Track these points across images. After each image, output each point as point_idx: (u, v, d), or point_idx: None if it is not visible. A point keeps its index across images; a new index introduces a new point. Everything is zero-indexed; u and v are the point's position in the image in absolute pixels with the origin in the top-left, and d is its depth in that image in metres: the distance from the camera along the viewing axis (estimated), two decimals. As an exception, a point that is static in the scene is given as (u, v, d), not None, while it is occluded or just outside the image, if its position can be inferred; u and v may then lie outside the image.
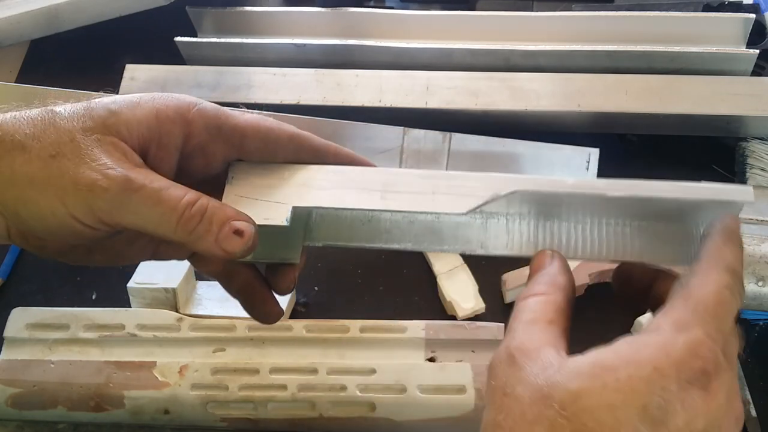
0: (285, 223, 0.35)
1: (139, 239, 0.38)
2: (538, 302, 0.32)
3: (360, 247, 0.38)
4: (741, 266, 0.31)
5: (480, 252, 0.37)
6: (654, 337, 0.28)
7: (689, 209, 0.34)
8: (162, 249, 0.39)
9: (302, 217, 0.38)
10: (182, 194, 0.33)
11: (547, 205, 0.35)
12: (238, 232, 0.34)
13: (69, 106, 0.34)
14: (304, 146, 0.37)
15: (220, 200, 0.36)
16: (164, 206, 0.33)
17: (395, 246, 0.38)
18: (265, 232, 0.35)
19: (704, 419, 0.27)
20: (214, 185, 0.37)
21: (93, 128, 0.33)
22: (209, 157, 0.37)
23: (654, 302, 0.33)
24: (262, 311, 0.40)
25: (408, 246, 0.38)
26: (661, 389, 0.27)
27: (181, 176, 0.36)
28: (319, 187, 0.36)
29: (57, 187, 0.32)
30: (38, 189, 0.32)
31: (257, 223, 0.35)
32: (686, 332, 0.28)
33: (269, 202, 0.36)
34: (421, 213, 0.36)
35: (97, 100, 0.35)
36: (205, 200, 0.34)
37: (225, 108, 0.37)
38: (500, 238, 0.37)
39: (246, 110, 0.38)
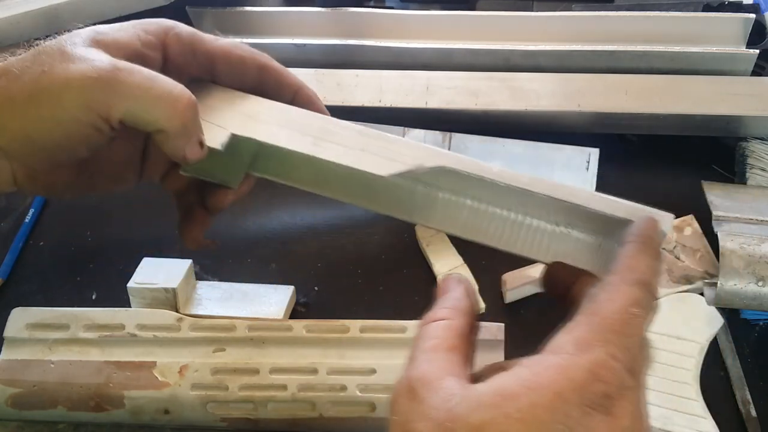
0: (219, 148, 0.37)
1: (133, 155, 0.40)
2: (439, 328, 0.31)
3: (300, 189, 0.40)
4: (655, 276, 0.31)
5: (406, 219, 0.38)
6: (555, 359, 0.27)
7: (610, 225, 0.35)
8: (146, 170, 0.41)
9: (246, 146, 0.39)
10: (175, 84, 0.34)
11: (474, 188, 0.36)
12: (201, 144, 0.36)
13: (56, 37, 0.35)
14: (269, 79, 0.39)
15: None
16: (160, 90, 0.34)
17: (328, 194, 0.39)
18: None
19: None
20: None
21: (81, 42, 0.34)
22: (184, 80, 0.38)
23: (572, 305, 0.32)
24: (189, 231, 0.42)
25: (341, 197, 0.39)
26: (564, 416, 0.26)
27: None
28: (260, 121, 0.38)
29: (52, 93, 0.33)
30: (36, 103, 0.33)
31: None
32: (588, 353, 0.27)
33: (212, 124, 0.37)
34: (343, 166, 0.37)
35: (80, 29, 0.36)
36: (194, 97, 0.35)
37: (200, 32, 0.39)
38: (428, 211, 0.37)
39: (220, 35, 0.40)
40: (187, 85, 0.38)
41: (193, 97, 0.35)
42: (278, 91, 0.40)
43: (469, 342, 0.31)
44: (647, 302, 0.30)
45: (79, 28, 0.36)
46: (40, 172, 0.37)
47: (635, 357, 0.28)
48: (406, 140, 0.37)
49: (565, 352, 0.27)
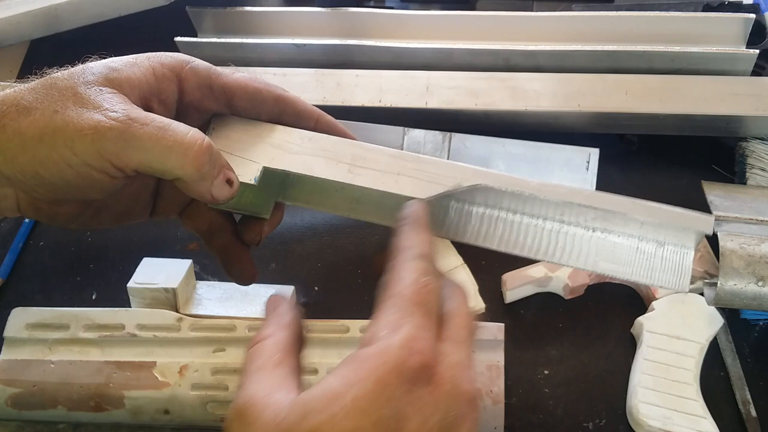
0: (253, 182, 0.36)
1: (143, 193, 0.39)
2: (263, 347, 0.31)
3: (331, 213, 0.40)
4: (431, 248, 0.33)
5: (441, 236, 0.38)
6: (371, 349, 0.28)
7: (647, 229, 0.35)
8: (159, 207, 0.41)
9: (274, 176, 0.38)
10: (188, 130, 0.34)
11: (510, 202, 0.36)
12: (229, 182, 0.35)
13: (66, 70, 0.35)
14: (287, 109, 0.39)
15: None
16: (172, 140, 0.33)
17: (362, 218, 0.39)
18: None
19: (437, 412, 0.27)
20: None
21: (94, 81, 0.34)
22: (200, 113, 0.38)
23: None
24: (238, 270, 0.41)
25: (375, 220, 0.39)
26: (388, 400, 0.27)
27: None
28: (292, 151, 0.37)
29: (64, 138, 0.32)
30: (48, 144, 0.32)
31: None
32: (398, 332, 0.28)
33: (243, 158, 0.37)
34: (383, 192, 0.36)
35: (93, 62, 0.36)
36: (209, 140, 0.34)
37: (216, 67, 0.38)
38: (464, 226, 0.37)
39: (236, 68, 0.39)
40: (210, 121, 0.37)
41: (207, 140, 0.34)
42: (297, 121, 0.39)
43: (294, 353, 0.32)
44: (432, 269, 0.31)
45: (92, 59, 0.36)
46: (44, 203, 0.36)
47: (440, 319, 0.30)
48: (439, 160, 0.37)
49: (378, 339, 0.28)
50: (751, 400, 0.51)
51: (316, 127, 0.39)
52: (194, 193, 0.35)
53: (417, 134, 0.60)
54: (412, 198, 0.36)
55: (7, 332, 0.51)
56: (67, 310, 0.52)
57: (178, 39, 0.68)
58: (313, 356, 0.49)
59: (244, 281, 0.42)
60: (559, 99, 0.62)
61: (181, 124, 0.34)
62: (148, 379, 0.49)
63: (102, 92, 0.34)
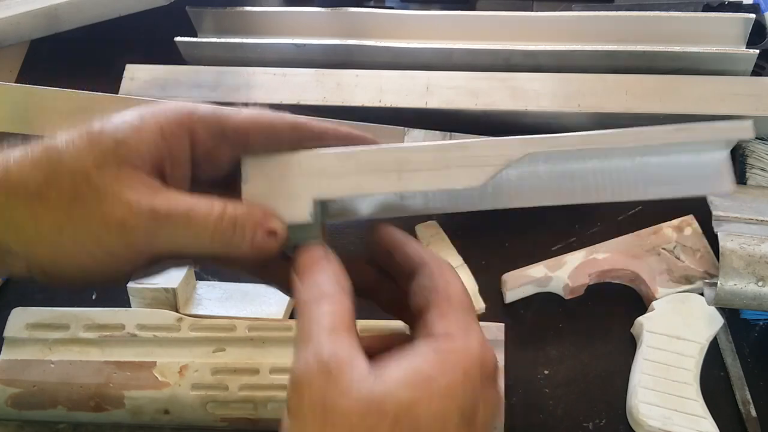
0: (309, 219, 0.35)
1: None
2: (333, 307, 0.31)
3: (380, 217, 0.38)
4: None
5: (500, 206, 0.37)
6: (453, 342, 0.31)
7: (687, 145, 0.35)
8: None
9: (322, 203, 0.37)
10: (209, 208, 0.33)
11: (560, 159, 0.36)
12: (272, 233, 0.34)
13: (69, 141, 0.33)
14: (305, 134, 0.37)
15: (239, 200, 0.35)
16: (195, 226, 0.32)
17: (413, 213, 0.38)
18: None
19: (492, 411, 0.31)
20: (224, 186, 0.36)
21: (106, 162, 0.32)
22: (215, 161, 0.36)
23: (393, 270, 0.36)
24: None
25: (426, 212, 0.38)
26: (472, 390, 0.30)
27: (192, 185, 0.36)
28: (334, 175, 0.35)
29: (88, 231, 0.31)
30: (70, 236, 0.32)
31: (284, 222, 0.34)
32: (472, 335, 0.31)
33: (288, 198, 0.35)
34: (443, 189, 0.35)
35: (97, 128, 0.33)
36: (231, 209, 0.33)
37: (222, 108, 0.36)
38: (523, 191, 0.36)
39: (243, 105, 0.38)
40: (236, 169, 0.36)
41: (218, 211, 0.33)
42: (318, 140, 0.37)
43: (355, 323, 0.32)
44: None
45: (95, 120, 0.34)
46: (56, 277, 0.34)
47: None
48: (481, 141, 0.35)
49: (457, 336, 0.31)
50: (751, 400, 0.51)
51: (337, 140, 0.37)
52: (239, 261, 0.34)
53: (417, 134, 0.60)
54: (470, 188, 0.35)
55: (7, 332, 0.51)
56: (67, 310, 0.52)
57: (178, 39, 0.68)
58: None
59: None
60: (559, 99, 0.62)
61: (201, 200, 0.33)
62: (148, 379, 0.49)
63: (118, 178, 0.32)
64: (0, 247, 0.33)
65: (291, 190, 0.35)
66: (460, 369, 0.30)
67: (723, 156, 0.36)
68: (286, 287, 0.39)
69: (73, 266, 0.33)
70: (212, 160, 0.36)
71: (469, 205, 0.37)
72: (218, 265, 0.39)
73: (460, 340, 0.31)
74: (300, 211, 0.35)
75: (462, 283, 0.34)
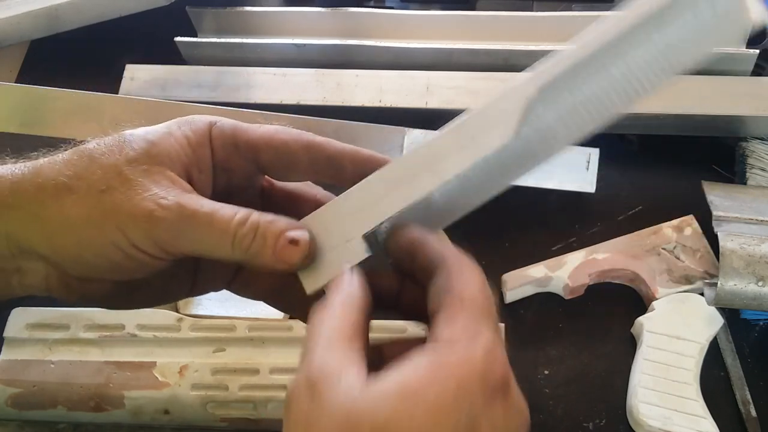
0: (366, 255, 0.34)
1: (181, 271, 0.38)
2: (335, 318, 0.30)
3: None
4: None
5: (548, 156, 0.34)
6: (452, 350, 0.28)
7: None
8: (199, 283, 0.39)
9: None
10: (233, 214, 0.33)
11: (581, 75, 0.33)
12: (294, 242, 0.33)
13: (100, 142, 0.33)
14: (319, 156, 0.36)
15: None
16: (217, 229, 0.32)
17: (463, 209, 0.36)
18: None
19: (505, 427, 0.28)
20: (240, 199, 0.36)
21: (138, 159, 0.33)
22: (229, 173, 0.36)
23: (418, 274, 0.33)
24: None
25: (475, 201, 0.36)
26: (470, 405, 0.26)
27: (213, 196, 0.36)
28: (373, 201, 0.35)
29: (116, 221, 0.32)
30: (97, 226, 0.32)
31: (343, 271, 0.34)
32: (479, 338, 0.28)
33: (339, 246, 0.35)
34: (478, 162, 0.34)
35: (127, 132, 0.34)
36: (255, 216, 0.33)
37: (242, 123, 0.36)
38: (562, 128, 0.34)
39: (263, 122, 0.37)
40: (250, 183, 0.36)
41: (241, 216, 0.33)
42: (332, 165, 0.36)
43: (365, 334, 0.30)
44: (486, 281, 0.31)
45: (125, 128, 0.35)
46: (76, 280, 0.35)
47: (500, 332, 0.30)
48: (491, 98, 0.33)
49: (459, 343, 0.28)
50: (751, 400, 0.51)
51: (354, 165, 0.36)
52: (261, 268, 0.34)
53: (417, 134, 0.60)
54: (504, 145, 0.33)
55: (7, 332, 0.51)
56: (67, 310, 0.52)
57: (178, 39, 0.68)
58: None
59: None
60: (559, 99, 0.62)
61: (227, 206, 0.33)
62: (148, 379, 0.49)
63: (148, 173, 0.33)
64: (22, 249, 0.33)
65: (340, 237, 0.35)
66: (453, 380, 0.27)
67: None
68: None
69: (99, 258, 0.32)
70: (225, 170, 0.36)
71: (519, 168, 0.35)
72: (220, 286, 0.39)
73: (461, 348, 0.28)
74: (357, 252, 0.34)
75: (484, 283, 0.31)
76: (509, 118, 0.33)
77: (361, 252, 0.34)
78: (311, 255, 0.34)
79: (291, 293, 0.36)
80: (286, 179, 0.38)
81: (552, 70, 0.33)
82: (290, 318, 0.54)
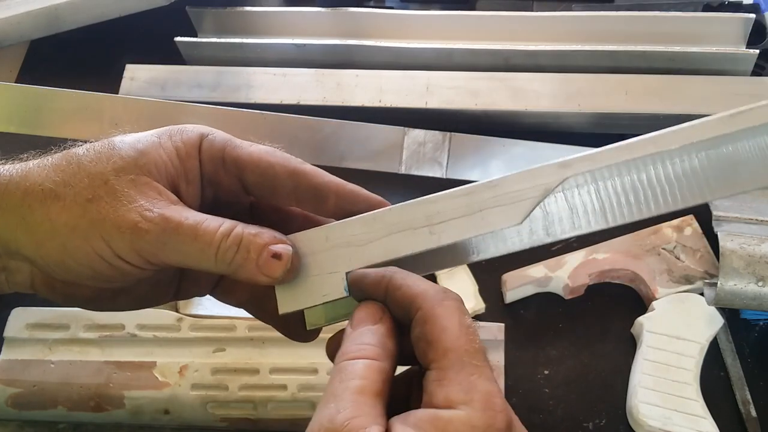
0: (345, 294, 0.34)
1: (164, 278, 0.38)
2: (367, 368, 0.29)
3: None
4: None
5: (548, 240, 0.34)
6: (451, 419, 0.28)
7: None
8: (183, 289, 0.39)
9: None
10: (217, 226, 0.33)
11: (606, 175, 0.33)
12: (277, 256, 0.33)
13: (90, 148, 0.34)
14: (303, 183, 0.36)
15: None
16: (201, 241, 0.33)
17: (460, 263, 0.36)
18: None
19: None
20: (228, 210, 0.36)
21: (125, 168, 0.33)
22: (217, 186, 0.36)
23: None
24: (296, 331, 0.39)
25: (472, 259, 0.36)
26: None
27: (200, 207, 0.36)
28: (363, 242, 0.34)
29: (101, 231, 0.32)
30: (82, 235, 0.32)
31: (318, 302, 0.34)
32: (474, 395, 0.28)
33: (321, 275, 0.35)
34: (477, 237, 0.33)
35: (117, 139, 0.34)
36: (240, 229, 0.33)
37: (235, 139, 0.36)
38: (564, 220, 0.34)
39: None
40: (237, 200, 0.36)
41: (240, 227, 0.33)
42: (315, 195, 0.36)
43: (390, 385, 0.30)
44: (461, 303, 0.31)
45: (117, 133, 0.35)
46: (60, 283, 0.35)
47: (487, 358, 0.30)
48: (511, 176, 0.33)
49: (456, 403, 0.28)
50: (751, 400, 0.51)
51: (338, 199, 0.36)
52: (243, 280, 0.34)
53: (417, 134, 0.60)
54: (510, 228, 0.33)
55: (7, 332, 0.51)
56: (67, 310, 0.52)
57: (178, 39, 0.68)
58: (313, 356, 0.49)
59: (311, 338, 0.39)
60: (559, 99, 0.62)
61: (211, 218, 0.33)
62: (148, 379, 0.49)
63: (135, 183, 0.33)
64: (8, 250, 0.33)
65: (323, 268, 0.35)
66: None
67: None
68: (284, 327, 0.39)
69: (82, 266, 0.33)
70: (212, 184, 0.36)
71: (519, 243, 0.35)
72: (204, 292, 0.39)
73: (458, 409, 0.28)
74: (334, 288, 0.34)
75: (461, 318, 0.30)
76: (521, 205, 0.32)
77: (340, 289, 0.34)
78: (293, 270, 0.34)
79: (271, 303, 0.36)
80: (268, 201, 0.38)
81: (578, 165, 0.32)
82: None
